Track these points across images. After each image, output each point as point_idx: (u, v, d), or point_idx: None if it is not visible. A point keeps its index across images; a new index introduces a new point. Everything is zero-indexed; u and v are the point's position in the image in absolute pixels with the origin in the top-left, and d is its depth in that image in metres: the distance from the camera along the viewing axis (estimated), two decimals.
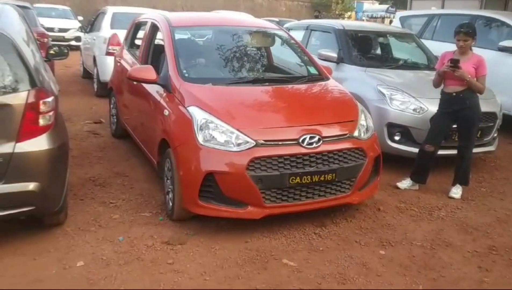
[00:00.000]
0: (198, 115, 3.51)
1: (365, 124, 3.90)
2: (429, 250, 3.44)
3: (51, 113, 3.09)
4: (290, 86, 4.30)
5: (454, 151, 4.68)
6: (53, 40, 15.49)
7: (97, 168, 4.78)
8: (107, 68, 7.39)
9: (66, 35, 15.68)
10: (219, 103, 3.68)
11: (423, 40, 7.97)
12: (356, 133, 3.73)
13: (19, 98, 2.93)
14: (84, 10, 19.52)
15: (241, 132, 3.38)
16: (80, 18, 16.91)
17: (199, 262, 3.11)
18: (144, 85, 4.40)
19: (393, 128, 5.10)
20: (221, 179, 3.31)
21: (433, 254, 3.38)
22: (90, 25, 10.11)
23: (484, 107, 5.15)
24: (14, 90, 2.94)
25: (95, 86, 8.42)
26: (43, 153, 2.99)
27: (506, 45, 7.00)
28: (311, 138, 3.46)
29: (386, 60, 6.36)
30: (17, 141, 2.91)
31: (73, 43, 15.13)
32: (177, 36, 4.54)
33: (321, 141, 3.49)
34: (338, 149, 3.56)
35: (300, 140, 3.43)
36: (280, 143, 3.41)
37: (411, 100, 5.09)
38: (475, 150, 5.23)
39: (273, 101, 4.03)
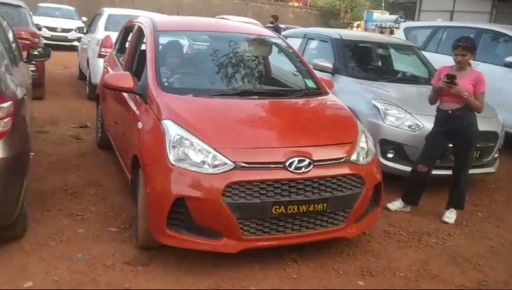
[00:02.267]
0: (172, 130, 3.11)
1: (365, 146, 3.46)
2: (413, 282, 3.16)
3: (6, 120, 2.87)
4: (282, 100, 3.89)
5: (450, 172, 4.40)
6: (55, 40, 15.53)
7: (72, 176, 4.55)
8: (98, 70, 7.18)
9: (69, 35, 15.60)
10: (197, 117, 3.29)
11: (427, 53, 7.71)
12: (354, 157, 3.28)
13: None
14: (90, 11, 19.36)
15: (218, 152, 2.96)
16: (84, 19, 16.81)
17: (158, 288, 2.85)
18: (124, 93, 4.09)
19: (386, 145, 4.83)
20: (193, 206, 2.90)
21: (416, 287, 3.10)
22: (89, 26, 9.97)
23: (485, 126, 4.89)
24: None
25: (87, 88, 8.23)
26: None
27: None
28: (300, 161, 3.03)
29: (384, 73, 6.10)
30: None
31: (75, 43, 15.03)
32: (162, 41, 4.26)
33: (312, 166, 3.05)
34: (331, 175, 3.10)
35: (287, 164, 3.00)
36: (263, 166, 2.99)
37: (406, 116, 4.82)
38: (473, 171, 4.95)
39: (261, 117, 3.62)
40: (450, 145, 4.26)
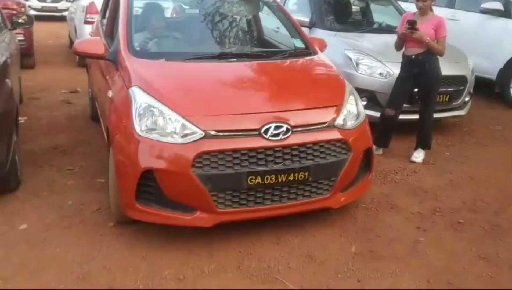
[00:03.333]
0: (139, 98, 2.93)
1: (354, 109, 3.26)
2: (373, 212, 3.47)
3: None
4: (263, 62, 3.65)
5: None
6: (46, 11, 15.54)
7: (62, 136, 4.83)
8: (86, 37, 7.36)
9: (59, 5, 15.58)
10: (167, 83, 3.12)
11: (411, 4, 7.81)
12: (339, 121, 3.08)
13: None
14: None
15: (188, 120, 2.80)
16: None
17: (142, 225, 3.14)
18: (101, 60, 3.86)
19: (359, 93, 4.91)
20: (162, 178, 2.76)
21: (375, 216, 3.42)
22: None
23: (453, 71, 5.13)
24: None
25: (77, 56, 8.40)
26: None
27: (488, 7, 6.85)
28: (276, 127, 2.85)
29: (359, 24, 6.27)
30: None
31: (66, 14, 15.07)
32: (137, 2, 4.15)
33: (290, 132, 2.88)
34: (312, 142, 2.92)
35: (262, 131, 2.82)
36: (236, 134, 2.82)
37: (378, 64, 5.04)
38: (444, 114, 5.26)
39: (237, 82, 3.39)
40: (416, 89, 4.50)
